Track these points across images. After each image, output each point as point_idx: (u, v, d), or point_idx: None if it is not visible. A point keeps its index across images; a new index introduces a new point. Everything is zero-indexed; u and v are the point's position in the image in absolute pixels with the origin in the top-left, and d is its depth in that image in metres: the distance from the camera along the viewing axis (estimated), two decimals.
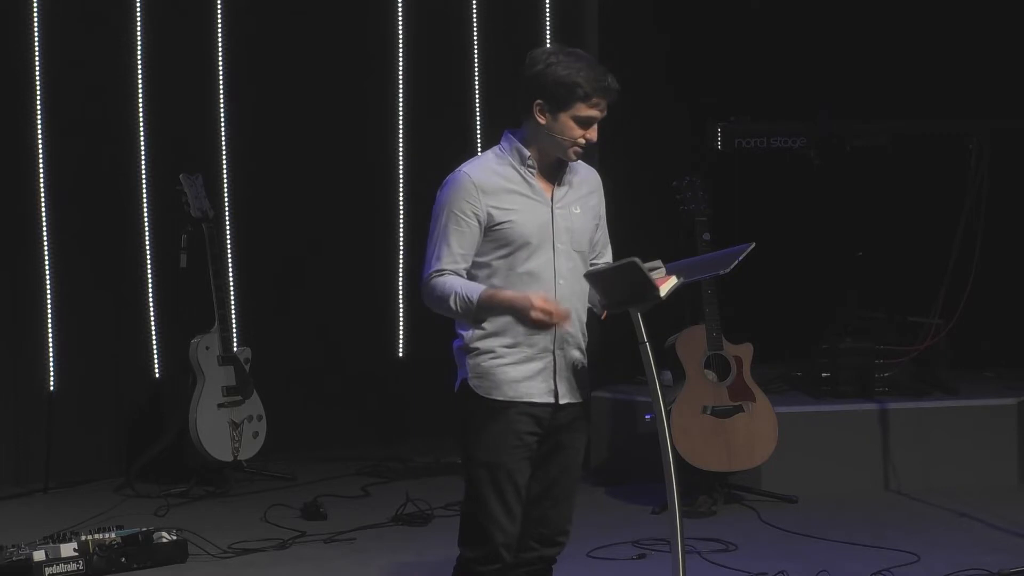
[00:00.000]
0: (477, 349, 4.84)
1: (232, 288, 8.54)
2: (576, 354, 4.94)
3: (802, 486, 7.85)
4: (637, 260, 4.69)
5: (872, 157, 8.66)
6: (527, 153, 4.85)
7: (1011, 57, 9.04)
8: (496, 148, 4.90)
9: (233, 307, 8.48)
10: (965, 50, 9.06)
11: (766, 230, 8.17)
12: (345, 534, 7.25)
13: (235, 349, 8.14)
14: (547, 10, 9.12)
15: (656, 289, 4.71)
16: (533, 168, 4.86)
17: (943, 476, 8.04)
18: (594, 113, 4.80)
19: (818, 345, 8.39)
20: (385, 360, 9.08)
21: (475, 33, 9.11)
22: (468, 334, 4.85)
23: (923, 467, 8.06)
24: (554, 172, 4.89)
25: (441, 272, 4.78)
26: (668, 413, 5.55)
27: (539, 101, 4.78)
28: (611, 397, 8.40)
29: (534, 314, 4.70)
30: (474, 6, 9.12)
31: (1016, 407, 8.18)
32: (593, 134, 4.83)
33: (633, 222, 8.90)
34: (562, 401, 4.90)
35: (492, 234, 4.80)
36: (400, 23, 9.02)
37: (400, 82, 9.03)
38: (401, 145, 9.03)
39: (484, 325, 4.82)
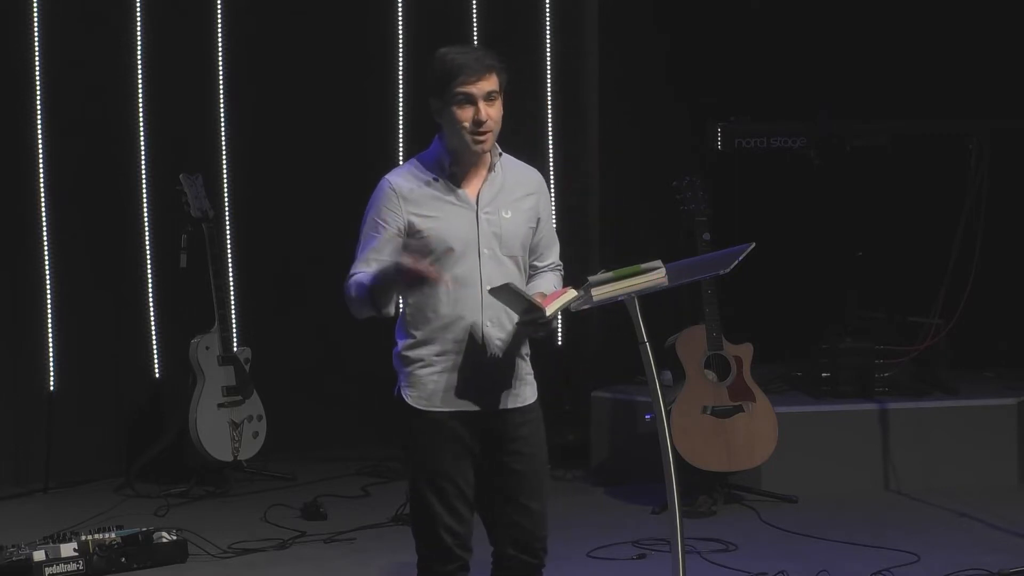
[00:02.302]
0: (408, 358, 4.85)
1: (232, 288, 8.54)
2: (510, 359, 4.85)
3: (802, 486, 7.85)
4: (510, 283, 4.68)
5: (872, 157, 8.66)
6: (448, 159, 4.81)
7: (1011, 57, 9.04)
8: (421, 153, 4.87)
9: (233, 307, 8.48)
10: (965, 50, 9.06)
11: (766, 230, 8.17)
12: (345, 534, 7.25)
13: (235, 349, 8.14)
14: (547, 10, 9.12)
15: (539, 309, 4.68)
16: (455, 173, 4.81)
17: (943, 476, 8.04)
18: (470, 90, 4.69)
19: (818, 345, 8.39)
20: (385, 360, 9.04)
21: (475, 33, 9.11)
22: (401, 342, 4.86)
23: (923, 467, 8.06)
24: (479, 175, 4.83)
25: (351, 276, 4.78)
26: (668, 413, 5.55)
27: (431, 99, 4.77)
28: (611, 397, 8.40)
29: (403, 263, 4.59)
30: (474, 6, 9.12)
31: (1016, 407, 8.18)
32: (483, 113, 4.71)
33: (633, 222, 8.95)
34: (500, 407, 4.84)
35: (416, 240, 4.75)
36: (400, 23, 9.01)
37: (400, 82, 9.03)
38: (401, 145, 9.03)
39: (414, 333, 4.82)
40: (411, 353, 4.86)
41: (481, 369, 4.81)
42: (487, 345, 4.80)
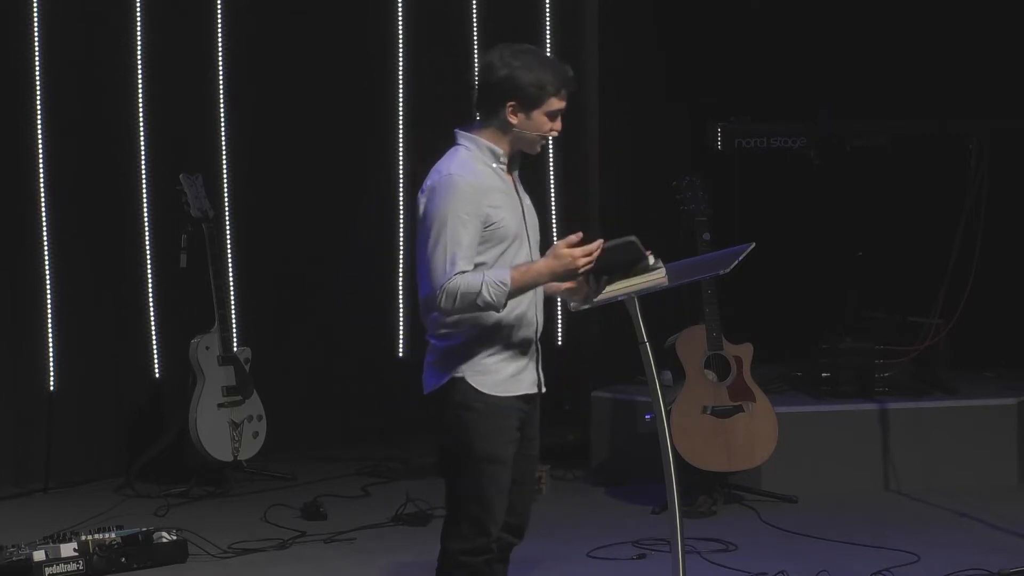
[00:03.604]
0: (474, 347, 4.87)
1: (232, 288, 8.54)
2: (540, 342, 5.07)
3: (802, 486, 7.85)
4: (635, 239, 4.90)
5: (872, 157, 8.66)
6: (500, 151, 4.92)
7: (1011, 57, 9.04)
8: (463, 149, 4.93)
9: (233, 307, 8.47)
10: (965, 50, 9.06)
11: (766, 230, 8.17)
12: (345, 534, 7.25)
13: (235, 349, 8.14)
14: (547, 10, 9.13)
15: (646, 258, 4.87)
16: (504, 166, 4.94)
17: (943, 476, 8.04)
18: (562, 105, 4.94)
19: (818, 345, 8.38)
20: (385, 360, 9.08)
21: (475, 33, 9.11)
22: (462, 333, 4.86)
23: (923, 467, 8.06)
24: (512, 167, 5.00)
25: (462, 272, 4.78)
26: (668, 413, 5.55)
27: (512, 103, 4.87)
28: (611, 397, 8.40)
29: (582, 262, 4.80)
30: (474, 6, 9.13)
31: (1016, 407, 8.17)
32: (559, 125, 4.95)
33: (633, 222, 8.93)
34: (540, 388, 5.01)
35: (487, 233, 4.83)
36: (400, 23, 9.02)
37: (400, 82, 9.03)
38: (401, 145, 9.04)
39: (481, 323, 4.84)
40: (477, 342, 4.88)
41: (531, 353, 4.97)
42: (536, 329, 4.98)
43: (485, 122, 4.91)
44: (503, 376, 4.88)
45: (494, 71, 4.87)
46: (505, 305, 4.79)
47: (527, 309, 4.92)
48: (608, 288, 4.92)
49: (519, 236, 4.90)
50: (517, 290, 4.79)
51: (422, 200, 4.85)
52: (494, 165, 4.90)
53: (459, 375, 4.87)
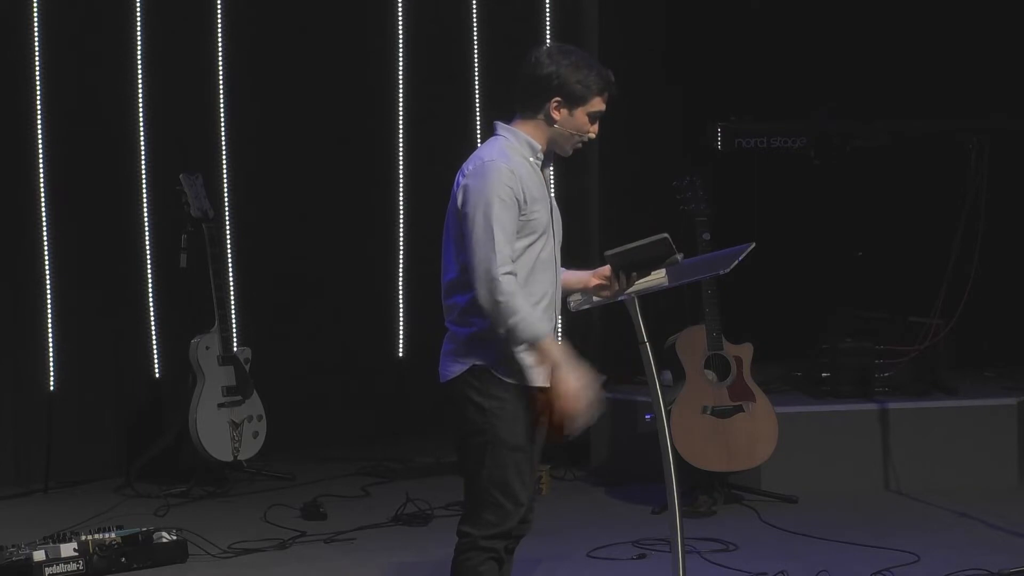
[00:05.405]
0: (496, 335, 4.86)
1: (232, 288, 8.54)
2: None
3: (802, 486, 7.85)
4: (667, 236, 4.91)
5: (872, 157, 8.66)
6: (538, 146, 4.95)
7: (1011, 57, 9.05)
8: (501, 140, 4.95)
9: (233, 307, 8.48)
10: (965, 50, 9.07)
11: (766, 230, 8.17)
12: (345, 534, 7.25)
13: (235, 349, 8.14)
14: (547, 10, 9.13)
15: (676, 254, 4.92)
16: (539, 162, 4.97)
17: (943, 476, 8.04)
18: (603, 108, 4.97)
19: (818, 345, 8.39)
20: (385, 360, 9.08)
21: (475, 33, 9.11)
22: (485, 320, 4.85)
23: (923, 467, 8.06)
24: (544, 165, 5.02)
25: (511, 272, 4.78)
26: (668, 413, 5.56)
27: (557, 99, 4.90)
28: (611, 397, 8.39)
29: (574, 404, 4.79)
30: (474, 6, 9.13)
31: (1016, 407, 8.17)
32: (597, 128, 4.99)
33: (633, 222, 8.93)
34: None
35: (521, 221, 4.85)
36: (400, 23, 9.02)
37: (400, 81, 9.03)
38: (401, 145, 9.04)
39: None
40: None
41: None
42: (555, 324, 4.99)
43: (526, 116, 4.95)
44: (523, 365, 4.88)
45: (542, 66, 4.91)
46: (513, 345, 4.79)
47: (548, 304, 4.93)
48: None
49: (547, 232, 4.92)
50: (534, 349, 4.79)
51: (460, 183, 4.87)
52: (531, 159, 4.93)
53: (480, 363, 4.87)
